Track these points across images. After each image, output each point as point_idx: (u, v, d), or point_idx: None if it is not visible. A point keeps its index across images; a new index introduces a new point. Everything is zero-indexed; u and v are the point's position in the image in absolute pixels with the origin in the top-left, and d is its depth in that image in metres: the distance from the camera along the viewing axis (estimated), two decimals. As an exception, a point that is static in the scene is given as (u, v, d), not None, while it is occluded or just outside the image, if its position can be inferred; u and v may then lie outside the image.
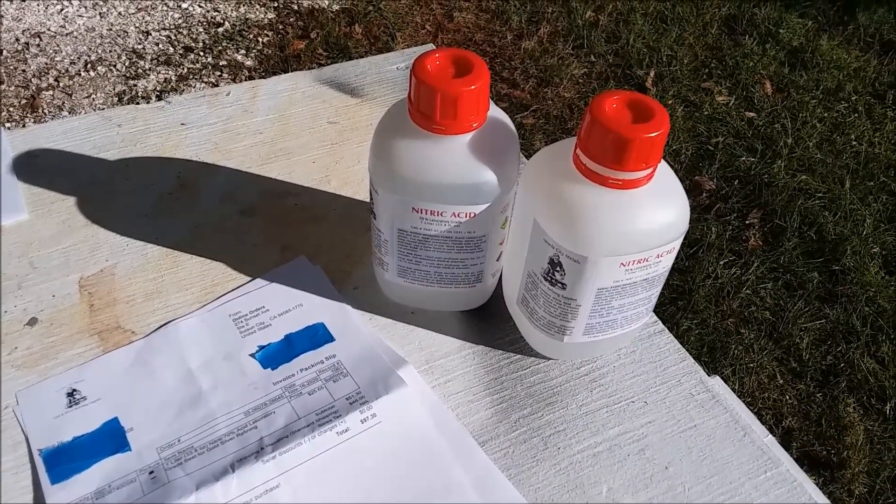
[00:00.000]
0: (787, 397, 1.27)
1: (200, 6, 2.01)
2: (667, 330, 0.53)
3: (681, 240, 0.43)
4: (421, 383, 0.49)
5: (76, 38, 1.87)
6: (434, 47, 0.84)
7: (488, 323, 0.53)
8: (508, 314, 0.53)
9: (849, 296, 1.40)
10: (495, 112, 0.45)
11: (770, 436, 0.48)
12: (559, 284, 0.44)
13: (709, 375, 0.52)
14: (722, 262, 1.44)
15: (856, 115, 1.81)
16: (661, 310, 1.31)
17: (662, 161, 0.42)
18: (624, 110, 0.40)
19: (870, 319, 1.37)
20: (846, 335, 1.35)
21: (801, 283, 1.43)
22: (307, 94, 0.70)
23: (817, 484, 1.15)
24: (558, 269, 0.44)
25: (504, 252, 0.50)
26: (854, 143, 1.73)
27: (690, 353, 0.52)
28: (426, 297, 0.52)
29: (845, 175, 1.64)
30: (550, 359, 0.51)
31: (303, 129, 0.67)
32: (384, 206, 0.46)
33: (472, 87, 0.41)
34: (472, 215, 0.45)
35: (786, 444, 1.21)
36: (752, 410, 1.26)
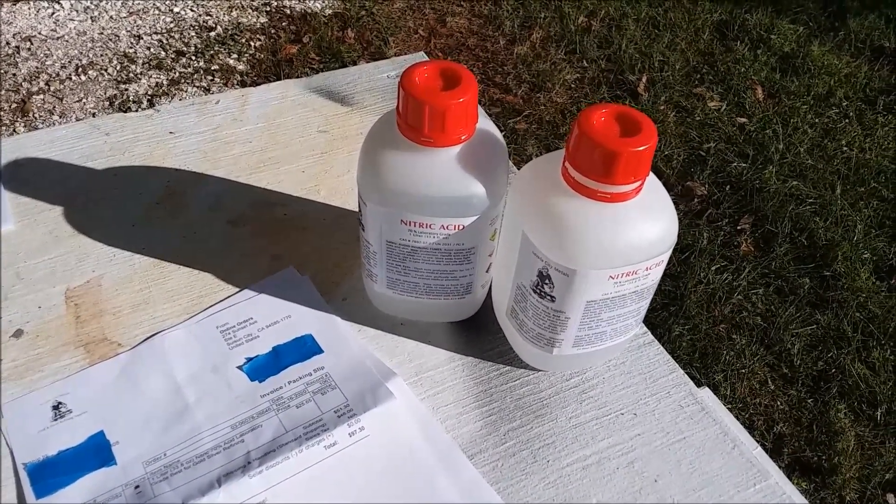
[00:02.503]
0: (779, 403, 1.27)
1: (192, 10, 2.01)
2: (656, 341, 0.53)
3: (669, 252, 0.43)
4: (410, 395, 0.48)
5: (67, 41, 1.87)
6: (425, 55, 0.84)
7: (477, 334, 0.53)
8: (498, 325, 0.52)
9: (840, 301, 1.41)
10: (484, 124, 0.45)
11: (759, 448, 0.48)
12: (548, 297, 0.44)
13: (698, 386, 0.51)
14: (713, 268, 1.44)
15: (847, 120, 1.82)
16: (652, 315, 1.31)
17: (651, 174, 0.42)
18: (612, 124, 0.40)
19: (861, 325, 1.37)
20: (837, 341, 1.35)
21: (792, 288, 1.43)
22: (297, 102, 0.70)
23: (808, 490, 1.15)
24: (547, 281, 0.44)
25: (493, 263, 0.50)
26: (845, 148, 1.74)
27: (682, 359, 0.52)
28: (415, 309, 0.52)
29: (836, 181, 1.65)
30: (540, 370, 0.51)
31: (292, 138, 0.66)
32: (373, 218, 0.46)
33: (461, 100, 0.41)
34: (461, 227, 0.45)
35: (777, 450, 1.21)
36: (743, 416, 1.27)
